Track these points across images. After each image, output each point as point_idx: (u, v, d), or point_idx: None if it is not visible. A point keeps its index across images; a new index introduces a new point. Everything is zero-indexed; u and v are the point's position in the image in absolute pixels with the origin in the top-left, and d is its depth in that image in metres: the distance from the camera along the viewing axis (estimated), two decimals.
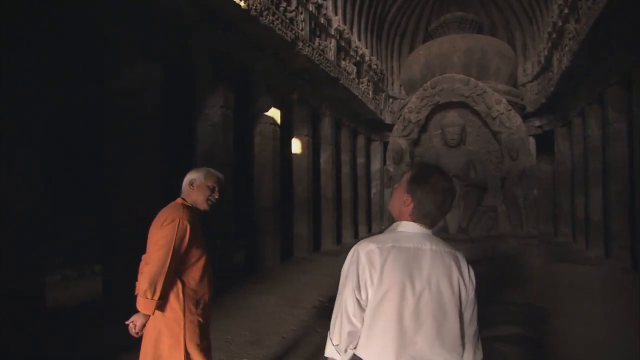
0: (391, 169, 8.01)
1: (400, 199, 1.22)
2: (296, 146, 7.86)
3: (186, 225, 1.67)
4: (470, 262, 1.23)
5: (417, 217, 1.19)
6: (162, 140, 4.61)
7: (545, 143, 10.53)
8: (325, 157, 9.00)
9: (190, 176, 1.85)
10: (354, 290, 1.12)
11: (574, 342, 3.33)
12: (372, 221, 12.04)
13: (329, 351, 1.17)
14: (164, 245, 1.63)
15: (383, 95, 11.58)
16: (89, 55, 5.20)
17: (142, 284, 1.62)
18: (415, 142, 8.24)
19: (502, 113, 7.21)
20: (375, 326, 1.10)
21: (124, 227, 3.85)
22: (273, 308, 4.42)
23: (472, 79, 7.52)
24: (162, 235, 1.64)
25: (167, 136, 5.16)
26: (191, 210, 1.79)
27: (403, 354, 1.08)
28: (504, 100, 7.37)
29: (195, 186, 1.82)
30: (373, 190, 12.30)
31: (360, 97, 9.31)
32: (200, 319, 1.75)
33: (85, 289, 5.16)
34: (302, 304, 4.59)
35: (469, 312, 1.17)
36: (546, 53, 9.03)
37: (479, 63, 8.48)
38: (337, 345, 1.14)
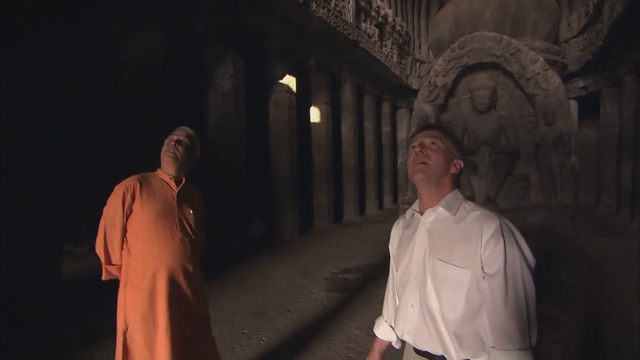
0: None
1: (449, 163, 1.07)
2: (314, 115, 7.61)
3: (121, 191, 1.58)
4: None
5: (457, 184, 1.10)
6: (172, 112, 4.53)
7: (589, 106, 9.58)
8: (346, 125, 8.70)
9: None
10: (531, 265, 0.95)
11: (601, 324, 3.05)
12: (399, 192, 11.74)
13: None
14: (102, 214, 1.62)
15: (409, 59, 10.91)
16: (92, 31, 5.13)
17: None
18: (442, 108, 7.74)
19: (538, 73, 6.56)
20: None
21: None
22: (284, 279, 4.38)
23: (505, 36, 6.85)
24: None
25: (178, 108, 5.10)
26: (149, 177, 1.68)
27: None
28: (540, 59, 6.67)
29: (161, 152, 1.72)
30: (399, 160, 11.90)
31: (383, 61, 8.80)
32: (148, 294, 1.55)
33: None
34: (314, 275, 4.53)
35: None
36: (595, 1, 8.02)
37: (514, 18, 7.68)
38: (535, 339, 0.93)
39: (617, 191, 8.23)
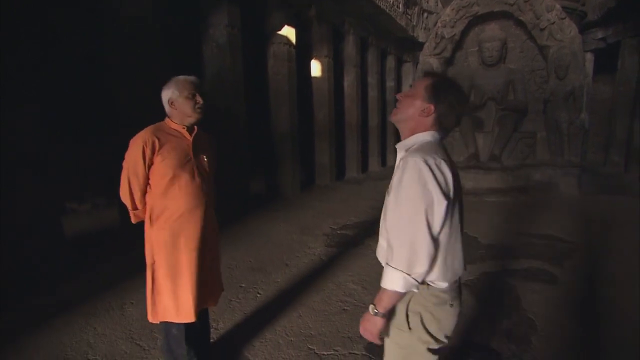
0: None
1: (416, 108, 1.12)
2: (315, 68, 7.32)
3: (140, 145, 1.68)
4: (500, 192, 1.09)
5: (438, 129, 1.14)
6: (169, 64, 4.33)
7: (607, 60, 9.05)
8: (349, 80, 8.40)
9: (165, 96, 1.77)
10: (435, 205, 1.01)
11: (598, 281, 3.05)
12: None
13: (401, 283, 1.02)
14: (124, 166, 1.73)
15: (416, 9, 10.26)
16: None
17: None
18: (449, 61, 7.43)
19: (553, 23, 6.18)
20: (453, 243, 1.08)
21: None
22: (283, 235, 4.42)
23: None
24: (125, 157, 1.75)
25: (176, 60, 4.89)
26: (162, 128, 1.76)
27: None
28: (557, 6, 6.25)
29: (177, 104, 1.76)
30: None
31: (388, 11, 8.28)
32: (171, 233, 1.74)
33: (112, 217, 5.41)
34: (313, 231, 4.56)
35: None
36: None
37: None
38: (420, 272, 1.02)
39: (628, 148, 8.01)
